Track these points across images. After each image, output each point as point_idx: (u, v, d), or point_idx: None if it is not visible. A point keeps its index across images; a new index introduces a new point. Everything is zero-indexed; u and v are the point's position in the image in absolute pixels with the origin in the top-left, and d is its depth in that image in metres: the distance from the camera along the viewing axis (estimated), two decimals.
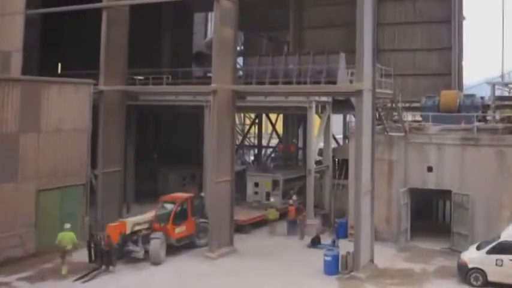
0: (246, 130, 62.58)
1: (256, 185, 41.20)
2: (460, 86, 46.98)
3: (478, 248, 27.31)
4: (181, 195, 33.19)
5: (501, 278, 26.06)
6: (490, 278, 26.23)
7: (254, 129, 60.99)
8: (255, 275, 27.81)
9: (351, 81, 32.91)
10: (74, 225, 31.12)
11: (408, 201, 33.72)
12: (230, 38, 31.91)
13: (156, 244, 29.36)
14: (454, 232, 32.12)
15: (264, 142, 62.24)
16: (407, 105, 39.59)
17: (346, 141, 48.79)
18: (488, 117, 36.20)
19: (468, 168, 31.92)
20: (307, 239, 33.65)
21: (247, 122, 63.94)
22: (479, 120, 35.27)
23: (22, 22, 32.64)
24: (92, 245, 28.23)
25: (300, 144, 52.47)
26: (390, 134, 34.41)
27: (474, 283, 26.37)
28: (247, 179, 41.95)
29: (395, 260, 30.61)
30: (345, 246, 30.03)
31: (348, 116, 49.93)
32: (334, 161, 40.73)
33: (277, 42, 57.61)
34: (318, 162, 39.91)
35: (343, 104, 38.12)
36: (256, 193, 41.00)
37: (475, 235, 30.82)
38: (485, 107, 37.74)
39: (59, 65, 52.53)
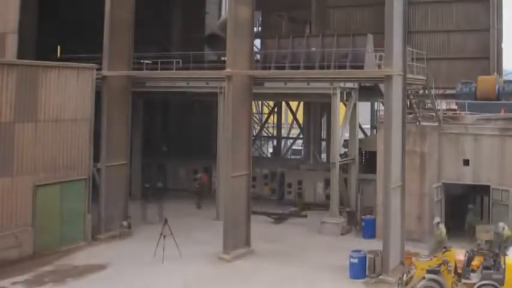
0: (264, 120, 62.40)
1: None
2: (499, 71, 46.76)
3: None
4: None
5: None
6: None
7: (273, 119, 60.91)
8: (272, 280, 27.64)
9: (379, 66, 32.90)
10: (75, 224, 31.13)
11: (442, 197, 33.56)
12: (246, 18, 31.75)
13: None
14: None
15: (284, 133, 62.05)
16: (441, 92, 39.38)
17: (374, 131, 48.61)
18: None
19: (508, 161, 31.74)
20: None
21: (265, 110, 63.78)
22: None
23: (17, 1, 32.48)
24: None
25: (324, 135, 52.31)
26: (422, 123, 34.20)
27: None
28: None
29: None
30: (373, 247, 29.73)
31: (376, 104, 49.88)
32: (360, 153, 40.53)
33: (298, 23, 57.27)
34: (343, 155, 39.65)
35: (370, 91, 38.10)
36: None
37: None
38: None
39: (58, 47, 52.45)
